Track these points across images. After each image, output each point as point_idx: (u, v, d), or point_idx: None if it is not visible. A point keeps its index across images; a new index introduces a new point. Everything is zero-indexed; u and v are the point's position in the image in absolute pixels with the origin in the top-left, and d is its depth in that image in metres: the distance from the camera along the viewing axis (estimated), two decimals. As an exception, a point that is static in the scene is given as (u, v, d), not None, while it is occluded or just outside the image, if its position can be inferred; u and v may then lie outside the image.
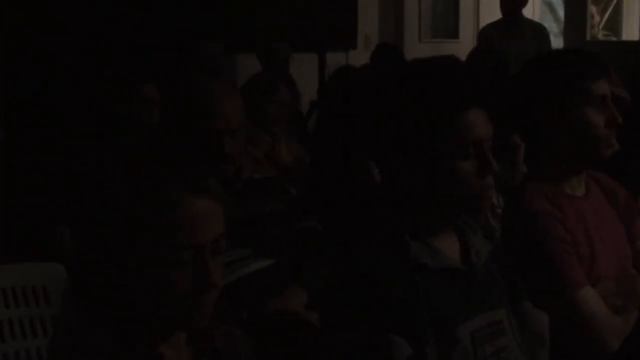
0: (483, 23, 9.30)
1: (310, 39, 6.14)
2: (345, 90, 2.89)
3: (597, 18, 8.99)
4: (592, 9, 8.32)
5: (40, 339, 2.48)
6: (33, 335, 2.49)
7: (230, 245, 1.46)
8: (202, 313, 1.37)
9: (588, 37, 8.65)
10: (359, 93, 2.76)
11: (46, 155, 3.01)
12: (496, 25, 6.17)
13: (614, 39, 9.35)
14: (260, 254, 2.34)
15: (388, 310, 1.63)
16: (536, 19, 9.63)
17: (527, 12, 9.18)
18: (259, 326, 2.12)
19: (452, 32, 9.20)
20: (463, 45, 8.03)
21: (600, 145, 2.17)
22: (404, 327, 1.63)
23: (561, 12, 8.36)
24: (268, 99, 4.17)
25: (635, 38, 7.54)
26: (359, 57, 6.67)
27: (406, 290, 1.65)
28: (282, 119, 4.24)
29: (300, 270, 2.41)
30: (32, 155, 2.97)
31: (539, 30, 6.17)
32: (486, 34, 6.12)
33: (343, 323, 1.68)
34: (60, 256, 2.64)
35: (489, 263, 1.83)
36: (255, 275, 2.30)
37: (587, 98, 2.15)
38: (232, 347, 1.52)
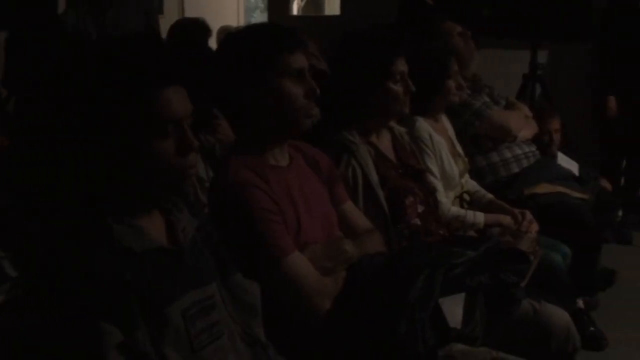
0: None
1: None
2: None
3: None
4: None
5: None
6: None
7: None
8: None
9: (294, 12, 8.92)
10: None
11: None
12: None
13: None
14: None
15: (95, 298, 1.57)
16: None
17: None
18: None
19: (158, 8, 9.06)
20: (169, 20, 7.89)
21: (299, 116, 2.23)
22: (113, 313, 1.58)
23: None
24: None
25: (337, 13, 7.88)
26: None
27: (112, 276, 1.60)
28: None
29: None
30: None
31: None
32: None
33: (55, 311, 1.59)
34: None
35: (197, 239, 1.83)
36: None
37: (284, 71, 2.20)
38: None
